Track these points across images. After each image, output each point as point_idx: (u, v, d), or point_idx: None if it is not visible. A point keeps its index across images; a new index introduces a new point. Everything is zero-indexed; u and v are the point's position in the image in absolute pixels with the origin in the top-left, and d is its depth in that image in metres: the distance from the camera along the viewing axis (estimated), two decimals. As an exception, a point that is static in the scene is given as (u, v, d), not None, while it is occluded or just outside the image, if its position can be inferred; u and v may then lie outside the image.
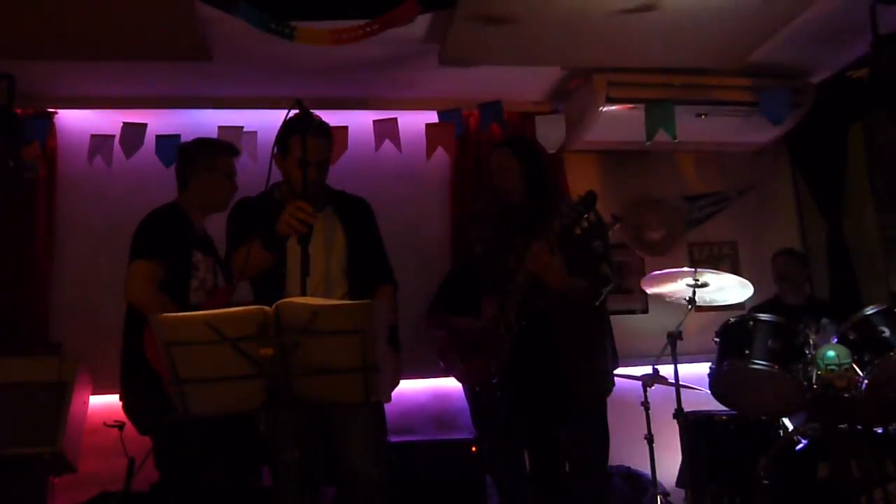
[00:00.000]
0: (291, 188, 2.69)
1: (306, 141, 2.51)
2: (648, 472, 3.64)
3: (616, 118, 4.21)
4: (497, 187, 2.95)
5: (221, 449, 2.75)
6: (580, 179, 4.69)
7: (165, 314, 1.82)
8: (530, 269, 2.63)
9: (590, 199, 2.53)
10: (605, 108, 4.14)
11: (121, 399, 2.76)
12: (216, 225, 2.93)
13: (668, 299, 3.84)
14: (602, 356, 2.85)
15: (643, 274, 4.26)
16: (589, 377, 2.78)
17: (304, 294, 2.42)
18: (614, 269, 2.84)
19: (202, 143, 3.00)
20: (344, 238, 2.79)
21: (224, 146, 3.00)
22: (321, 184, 2.76)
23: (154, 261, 2.62)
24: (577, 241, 2.57)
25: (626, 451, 4.35)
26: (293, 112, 2.38)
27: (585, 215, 2.50)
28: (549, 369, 2.76)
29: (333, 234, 2.79)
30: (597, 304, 2.80)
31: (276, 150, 2.64)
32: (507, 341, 2.80)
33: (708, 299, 3.76)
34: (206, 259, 2.82)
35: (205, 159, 2.90)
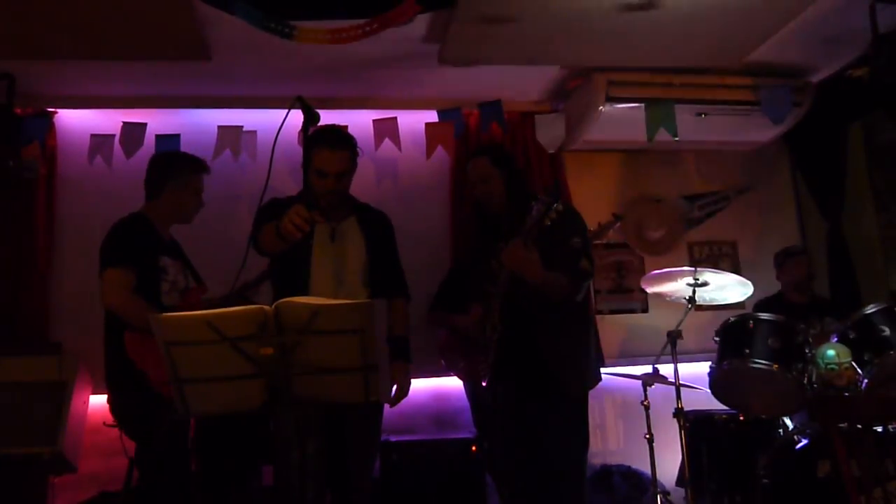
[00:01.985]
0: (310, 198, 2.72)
1: (313, 150, 2.61)
2: (648, 471, 3.64)
3: (616, 117, 4.21)
4: (478, 196, 2.97)
5: (226, 446, 2.79)
6: (580, 179, 4.69)
7: (166, 314, 1.82)
8: (507, 266, 2.67)
9: (553, 189, 2.56)
10: (605, 108, 4.14)
11: (108, 403, 2.85)
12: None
13: (668, 298, 3.84)
14: (586, 353, 2.86)
15: (643, 273, 4.26)
16: (572, 369, 2.79)
17: (307, 293, 2.45)
18: (594, 263, 2.84)
19: (177, 158, 3.10)
20: (364, 249, 2.86)
21: (197, 164, 3.07)
22: (340, 194, 2.81)
23: (124, 267, 2.74)
24: (552, 235, 2.59)
25: (626, 451, 4.37)
26: (294, 111, 2.38)
27: (553, 205, 2.52)
28: (536, 368, 2.78)
29: (355, 244, 2.85)
30: (578, 299, 2.80)
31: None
32: (493, 343, 2.82)
33: (708, 298, 3.76)
34: (175, 263, 2.93)
35: (178, 175, 2.98)
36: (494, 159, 2.94)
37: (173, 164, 3.02)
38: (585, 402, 2.88)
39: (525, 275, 2.65)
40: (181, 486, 2.75)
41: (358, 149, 2.85)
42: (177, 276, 2.90)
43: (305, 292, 2.69)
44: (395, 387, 2.81)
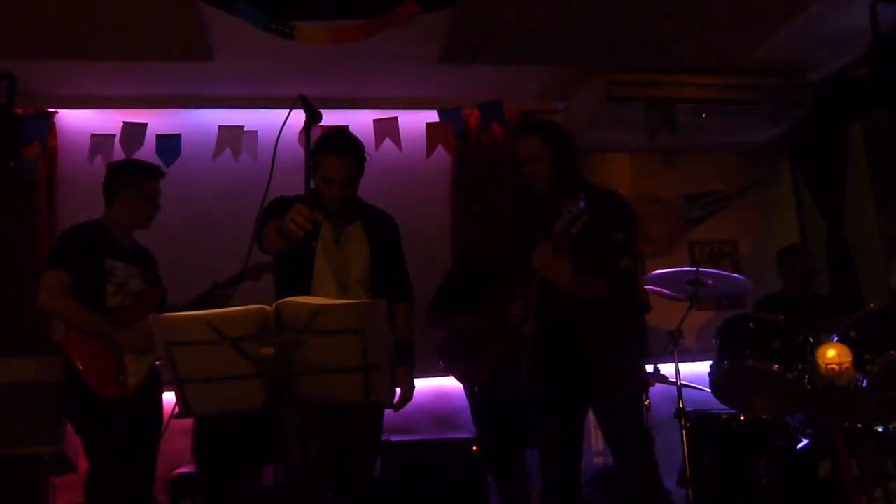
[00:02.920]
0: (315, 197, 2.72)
1: (319, 156, 2.67)
2: (649, 471, 3.63)
3: (616, 117, 4.21)
4: (524, 175, 2.76)
5: (226, 446, 2.81)
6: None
7: (167, 314, 1.82)
8: (537, 268, 2.54)
9: (582, 198, 2.42)
10: (605, 108, 4.14)
11: None
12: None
13: (669, 298, 3.84)
14: (633, 353, 2.71)
15: (644, 273, 4.25)
16: (619, 376, 2.63)
17: (309, 294, 2.45)
18: (637, 260, 2.67)
19: (127, 165, 3.17)
20: (368, 252, 2.84)
21: (150, 170, 3.12)
22: (346, 200, 2.78)
23: (60, 270, 2.83)
24: (584, 238, 2.44)
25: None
26: (296, 110, 2.37)
27: (580, 216, 2.39)
28: (576, 366, 2.65)
29: (359, 249, 2.83)
30: (620, 300, 2.63)
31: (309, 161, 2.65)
32: (529, 336, 2.71)
33: (709, 298, 3.75)
34: (130, 267, 3.00)
35: (129, 181, 3.04)
36: (546, 138, 2.72)
37: (123, 171, 3.09)
38: (639, 410, 2.77)
39: (555, 281, 2.53)
40: (122, 473, 2.78)
41: (366, 153, 2.81)
42: (128, 279, 2.97)
43: (308, 295, 2.68)
44: (398, 391, 2.80)
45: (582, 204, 2.41)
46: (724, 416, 3.54)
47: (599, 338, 2.63)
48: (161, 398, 3.05)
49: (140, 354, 2.87)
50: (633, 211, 2.74)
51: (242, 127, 4.22)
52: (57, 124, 4.28)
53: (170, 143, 4.15)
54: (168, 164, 4.15)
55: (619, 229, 2.60)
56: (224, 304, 3.11)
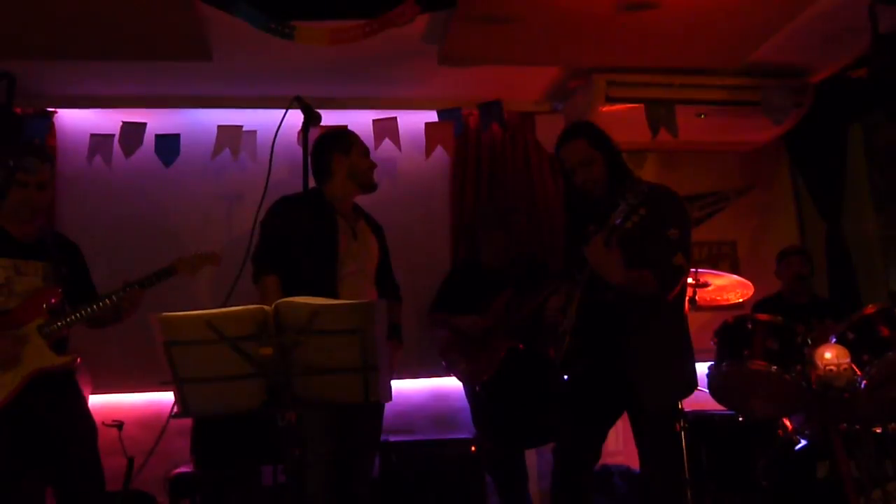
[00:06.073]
0: (356, 179, 3.00)
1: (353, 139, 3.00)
2: (648, 471, 3.63)
3: (616, 118, 4.21)
4: (579, 183, 2.72)
5: (226, 446, 2.77)
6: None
7: (166, 314, 1.82)
8: (588, 260, 2.51)
9: (640, 191, 2.39)
10: (604, 108, 4.14)
11: None
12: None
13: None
14: (676, 355, 2.67)
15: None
16: (655, 380, 2.58)
17: (334, 287, 2.70)
18: (690, 258, 2.63)
19: None
20: (377, 247, 3.08)
21: None
22: None
23: None
24: (639, 233, 2.41)
25: (626, 451, 4.36)
26: (293, 111, 2.38)
27: (637, 209, 2.36)
28: (614, 368, 2.61)
29: (367, 244, 3.04)
30: (669, 298, 2.59)
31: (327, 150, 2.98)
32: (567, 331, 2.65)
33: (707, 299, 3.75)
34: (20, 263, 2.68)
35: None
36: (593, 140, 2.70)
37: None
38: (671, 418, 2.72)
39: (604, 275, 2.48)
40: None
41: None
42: (14, 278, 2.65)
43: (332, 289, 2.78)
44: None
45: (635, 200, 2.38)
46: (723, 417, 3.54)
47: (641, 341, 2.59)
48: (80, 408, 2.77)
49: (4, 366, 2.53)
50: (687, 209, 2.73)
51: (241, 127, 4.22)
52: (56, 124, 4.27)
53: (169, 143, 4.15)
54: (167, 164, 4.16)
55: (674, 226, 2.58)
56: (123, 307, 2.75)
